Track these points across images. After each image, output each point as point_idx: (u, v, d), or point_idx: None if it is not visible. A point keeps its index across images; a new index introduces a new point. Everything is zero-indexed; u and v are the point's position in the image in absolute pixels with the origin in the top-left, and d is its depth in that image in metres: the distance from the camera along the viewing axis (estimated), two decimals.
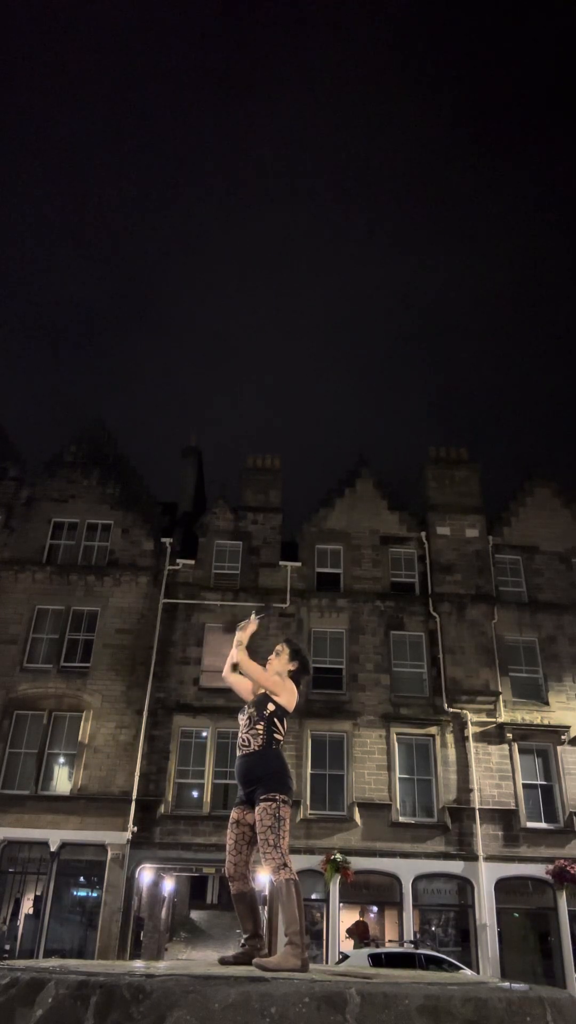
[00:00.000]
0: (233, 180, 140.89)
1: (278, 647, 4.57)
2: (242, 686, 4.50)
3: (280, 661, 4.48)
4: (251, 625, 4.62)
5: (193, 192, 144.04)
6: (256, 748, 4.12)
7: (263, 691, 4.32)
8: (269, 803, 3.92)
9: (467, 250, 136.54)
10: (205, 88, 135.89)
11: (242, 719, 4.28)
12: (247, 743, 4.15)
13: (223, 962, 3.67)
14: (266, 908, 16.19)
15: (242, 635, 4.52)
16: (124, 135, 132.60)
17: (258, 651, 4.57)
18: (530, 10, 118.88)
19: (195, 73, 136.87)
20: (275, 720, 4.21)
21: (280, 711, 4.25)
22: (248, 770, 4.10)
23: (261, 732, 4.15)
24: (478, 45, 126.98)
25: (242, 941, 3.96)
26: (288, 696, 4.32)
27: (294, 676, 4.48)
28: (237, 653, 4.42)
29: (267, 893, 15.86)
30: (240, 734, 4.24)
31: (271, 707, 4.24)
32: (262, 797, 3.95)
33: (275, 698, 4.25)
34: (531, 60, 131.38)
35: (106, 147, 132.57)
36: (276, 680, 4.34)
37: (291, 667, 4.48)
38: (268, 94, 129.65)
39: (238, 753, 4.21)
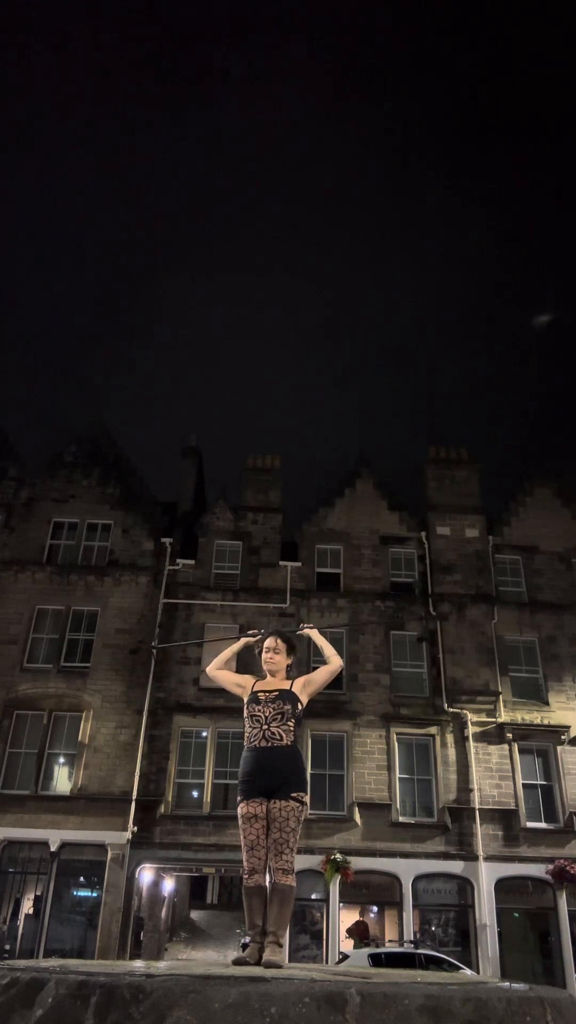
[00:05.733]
0: (231, 182, 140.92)
1: (272, 641, 4.52)
2: (228, 680, 4.60)
3: (283, 657, 4.49)
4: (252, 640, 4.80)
5: (192, 192, 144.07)
6: (288, 743, 4.14)
7: (286, 687, 4.35)
8: (296, 804, 4.00)
9: (467, 249, 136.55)
10: (200, 90, 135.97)
11: (263, 710, 4.22)
12: (279, 736, 4.13)
13: (238, 963, 3.63)
14: None
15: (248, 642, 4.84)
16: (117, 140, 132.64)
17: (248, 664, 4.62)
18: (521, 14, 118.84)
19: (188, 74, 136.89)
20: (300, 719, 4.32)
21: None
22: (279, 762, 4.08)
23: (292, 729, 4.19)
24: (473, 46, 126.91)
25: (249, 939, 3.92)
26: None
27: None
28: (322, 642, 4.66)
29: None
30: (265, 726, 4.17)
31: (300, 707, 4.30)
32: (292, 795, 4.00)
33: (303, 700, 4.35)
34: (519, 68, 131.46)
35: (99, 152, 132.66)
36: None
37: (291, 660, 4.54)
38: (260, 97, 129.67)
39: (262, 744, 4.13)
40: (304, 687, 4.39)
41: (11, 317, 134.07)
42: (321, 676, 4.46)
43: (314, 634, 4.78)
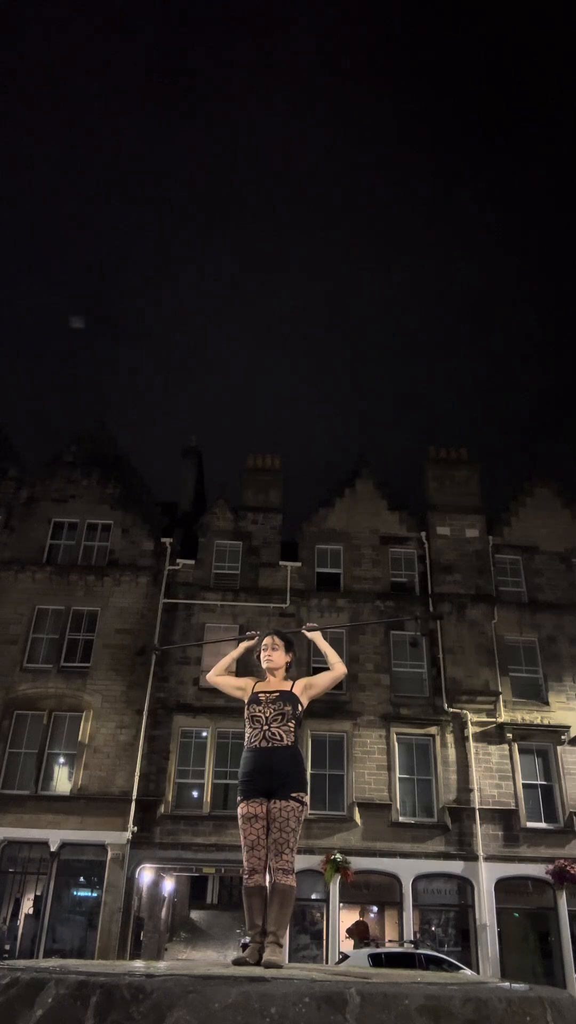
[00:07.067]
0: (231, 182, 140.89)
1: (270, 640, 4.53)
2: (228, 685, 4.63)
3: (281, 655, 4.49)
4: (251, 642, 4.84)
5: (192, 192, 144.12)
6: (289, 743, 4.15)
7: (287, 687, 4.36)
8: (297, 804, 4.00)
9: (466, 250, 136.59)
10: (198, 89, 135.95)
11: (263, 711, 4.22)
12: (279, 737, 4.13)
13: (238, 963, 3.62)
14: None
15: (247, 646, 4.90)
16: (116, 138, 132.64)
17: (249, 666, 4.65)
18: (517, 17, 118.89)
19: (186, 73, 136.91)
20: (300, 720, 4.34)
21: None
22: (279, 763, 4.08)
23: (292, 730, 4.20)
24: (473, 45, 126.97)
25: (249, 939, 3.92)
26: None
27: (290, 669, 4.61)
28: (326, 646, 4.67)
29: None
30: (265, 727, 4.17)
31: (300, 708, 4.30)
32: (292, 795, 4.00)
33: (304, 702, 4.35)
34: (519, 68, 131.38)
35: (98, 152, 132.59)
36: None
37: (289, 659, 4.54)
38: (258, 95, 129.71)
39: (262, 744, 4.13)
40: (305, 690, 4.40)
41: (11, 317, 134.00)
42: (323, 681, 4.48)
43: (317, 637, 4.76)
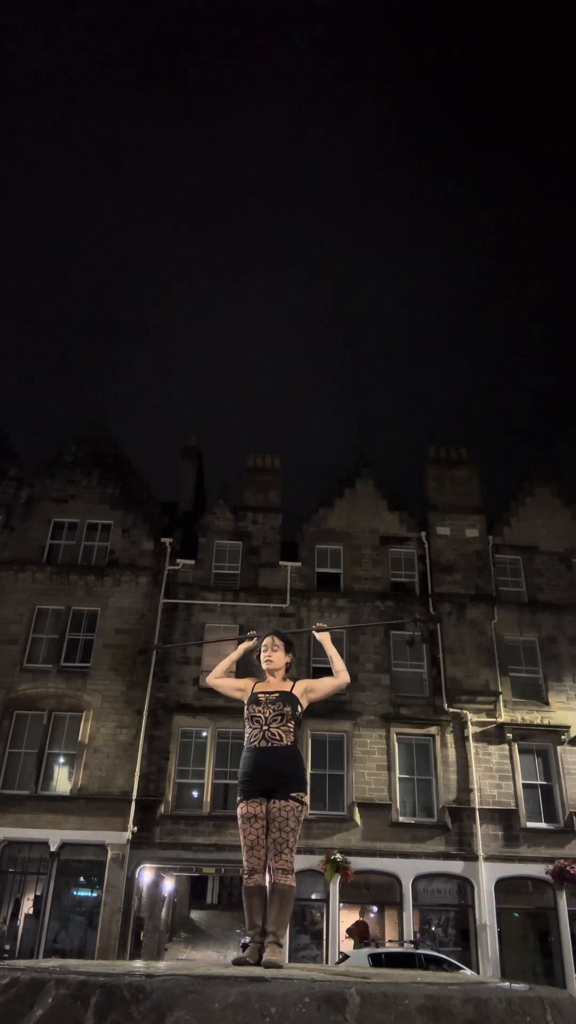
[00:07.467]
0: (230, 184, 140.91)
1: (270, 640, 4.54)
2: (228, 687, 4.66)
3: (281, 655, 4.50)
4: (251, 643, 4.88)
5: (192, 193, 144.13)
6: (288, 743, 4.16)
7: (287, 688, 4.37)
8: (296, 804, 4.01)
9: (466, 250, 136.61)
10: (198, 93, 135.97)
11: (263, 711, 4.22)
12: (279, 737, 4.14)
13: (238, 963, 3.62)
14: None
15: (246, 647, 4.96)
16: (116, 141, 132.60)
17: (249, 667, 4.67)
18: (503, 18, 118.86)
19: (186, 77, 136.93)
20: (300, 721, 4.35)
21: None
22: (279, 763, 4.09)
23: (292, 730, 4.22)
24: (476, 43, 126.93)
25: (249, 939, 3.91)
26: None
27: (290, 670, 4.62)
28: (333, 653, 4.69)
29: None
30: (265, 727, 4.17)
31: (300, 709, 4.31)
32: (292, 794, 4.01)
33: (303, 704, 4.36)
34: (519, 69, 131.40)
35: (99, 154, 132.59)
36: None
37: (289, 659, 4.54)
38: (258, 98, 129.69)
39: (261, 744, 4.14)
40: (305, 692, 4.40)
41: (12, 318, 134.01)
42: (325, 687, 4.50)
43: (325, 639, 4.78)
